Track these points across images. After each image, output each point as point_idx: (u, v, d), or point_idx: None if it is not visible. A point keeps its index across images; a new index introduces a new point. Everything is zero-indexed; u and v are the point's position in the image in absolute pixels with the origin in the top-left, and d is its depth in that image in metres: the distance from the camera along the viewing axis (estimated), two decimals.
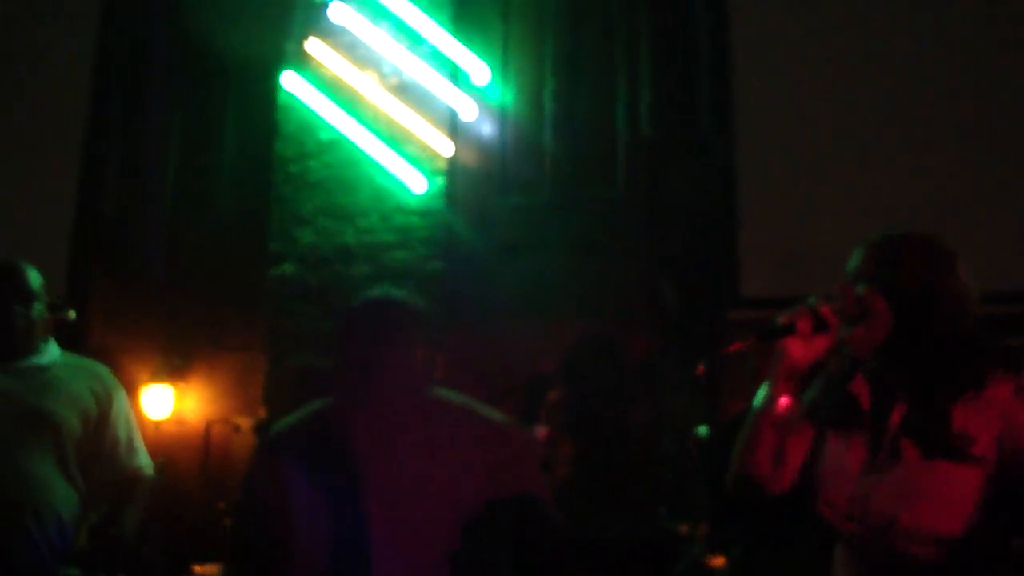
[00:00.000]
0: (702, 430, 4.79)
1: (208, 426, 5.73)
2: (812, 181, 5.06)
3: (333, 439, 2.00)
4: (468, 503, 1.92)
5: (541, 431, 3.94)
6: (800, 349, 1.84)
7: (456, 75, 5.65)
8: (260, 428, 5.08)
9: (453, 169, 5.54)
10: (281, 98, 5.73)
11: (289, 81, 5.67)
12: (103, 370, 3.10)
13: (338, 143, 5.60)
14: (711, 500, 3.92)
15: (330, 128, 5.61)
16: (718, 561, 3.65)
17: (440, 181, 5.45)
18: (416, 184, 5.43)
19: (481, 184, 5.65)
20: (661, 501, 4.89)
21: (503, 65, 5.75)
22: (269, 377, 5.48)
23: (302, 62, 5.70)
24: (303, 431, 2.08)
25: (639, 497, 4.58)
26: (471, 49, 5.62)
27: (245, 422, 5.43)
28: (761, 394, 1.92)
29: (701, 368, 3.40)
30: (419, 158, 5.48)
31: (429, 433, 1.97)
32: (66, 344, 3.11)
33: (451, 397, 2.09)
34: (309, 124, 5.66)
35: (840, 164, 5.04)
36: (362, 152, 5.52)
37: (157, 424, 5.68)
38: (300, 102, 5.66)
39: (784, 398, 1.88)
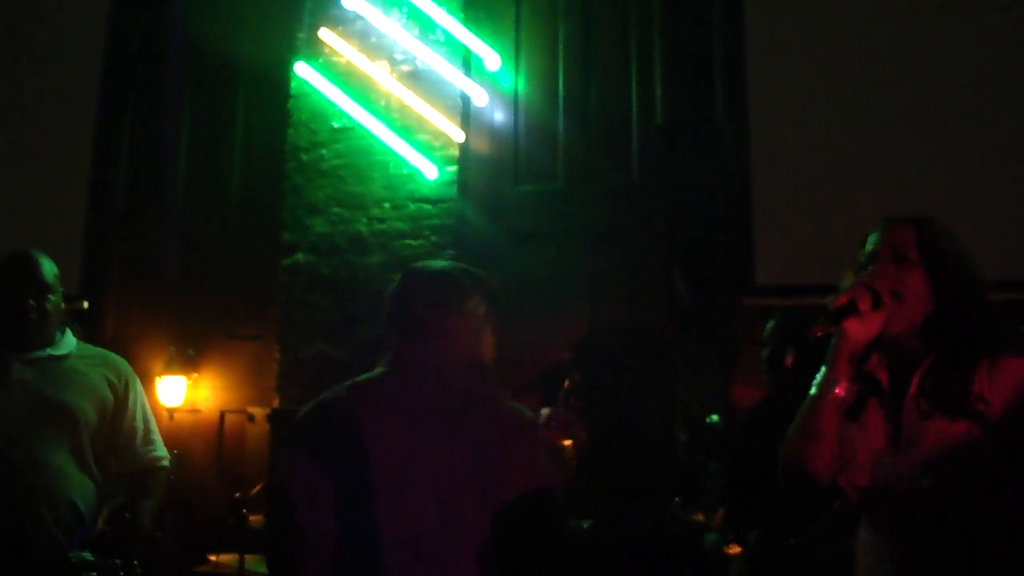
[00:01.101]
0: (714, 418, 4.79)
1: (222, 415, 5.74)
2: (826, 169, 5.02)
3: (353, 423, 1.97)
4: (488, 494, 1.88)
5: (544, 412, 3.90)
6: (858, 328, 1.82)
7: (468, 62, 5.63)
8: (274, 417, 5.09)
9: (465, 157, 5.53)
10: (293, 87, 5.72)
11: (301, 70, 5.65)
12: (119, 360, 3.11)
13: (350, 131, 5.58)
14: (727, 488, 3.90)
15: (342, 116, 5.59)
16: (734, 549, 3.63)
17: (452, 169, 5.44)
18: (429, 172, 5.41)
19: (494, 172, 5.63)
20: (676, 489, 4.89)
21: (515, 51, 5.72)
22: (282, 366, 5.48)
23: (314, 51, 5.69)
24: (319, 421, 2.06)
25: (653, 484, 4.57)
26: (482, 35, 5.59)
27: (259, 411, 5.43)
28: (820, 379, 1.88)
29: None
30: (431, 146, 5.46)
31: (449, 421, 1.93)
32: (81, 335, 3.12)
33: (475, 385, 2.04)
34: (321, 113, 5.65)
35: (855, 152, 5.00)
36: (374, 140, 5.51)
37: (171, 414, 5.69)
38: (312, 90, 5.64)
39: (845, 380, 1.85)
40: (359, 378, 2.08)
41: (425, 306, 2.07)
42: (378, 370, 2.07)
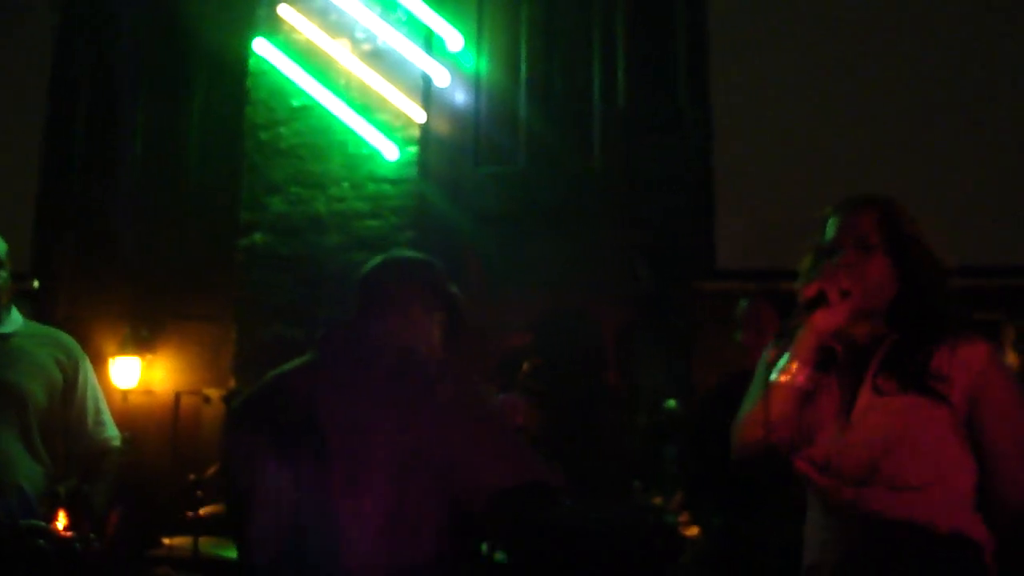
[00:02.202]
0: (671, 403, 4.80)
1: (177, 397, 5.67)
2: (787, 154, 5.05)
3: (297, 404, 1.95)
4: (443, 472, 1.86)
5: (503, 397, 3.91)
6: (826, 318, 1.83)
7: (430, 42, 5.57)
8: (231, 399, 5.04)
9: (426, 138, 5.48)
10: (252, 64, 5.63)
11: (260, 47, 5.56)
12: (69, 340, 3.05)
13: (310, 110, 5.51)
14: (685, 471, 3.93)
15: (302, 95, 5.52)
16: (692, 531, 3.66)
17: (413, 150, 5.39)
18: (389, 152, 5.36)
19: (455, 153, 5.60)
20: (634, 473, 4.91)
21: (477, 32, 5.68)
22: (239, 347, 5.42)
23: (273, 28, 5.60)
24: (267, 399, 2.03)
25: (611, 467, 4.59)
26: (445, 15, 5.53)
27: (215, 393, 5.37)
28: (782, 366, 1.88)
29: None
30: (392, 126, 5.40)
31: (405, 398, 1.91)
32: (28, 314, 3.05)
33: (430, 362, 2.02)
34: (280, 91, 5.57)
35: (815, 137, 5.04)
36: (334, 119, 5.44)
37: (125, 395, 5.62)
38: (271, 68, 5.56)
39: (808, 369, 1.86)
40: (307, 356, 2.06)
41: (392, 287, 2.08)
42: (321, 347, 2.05)
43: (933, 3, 5.08)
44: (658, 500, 4.34)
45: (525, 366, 3.85)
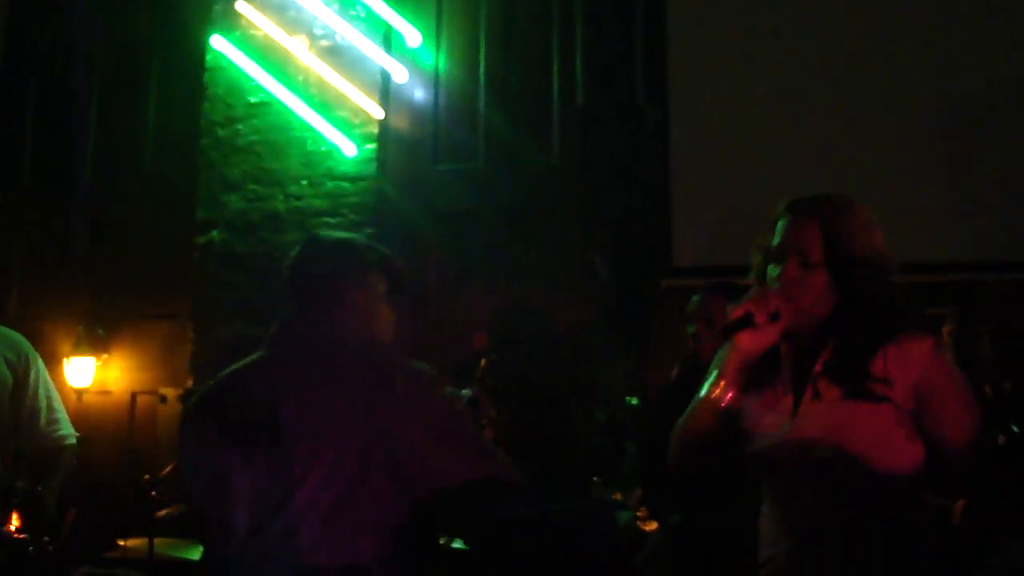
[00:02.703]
0: (633, 400, 4.83)
1: (133, 397, 5.60)
2: (744, 151, 5.09)
3: (253, 400, 1.93)
4: (399, 466, 1.86)
5: (465, 392, 3.90)
6: (752, 341, 1.83)
7: (388, 38, 5.55)
8: (187, 398, 4.99)
9: (385, 135, 5.46)
10: (209, 60, 5.59)
11: (217, 42, 5.51)
12: (19, 339, 3.01)
13: (267, 107, 5.48)
14: (644, 467, 3.95)
15: (259, 91, 5.48)
16: (650, 526, 3.68)
17: (372, 147, 5.37)
18: (347, 149, 5.34)
19: (413, 150, 5.58)
20: (594, 468, 4.93)
21: (436, 29, 5.66)
22: (196, 346, 5.39)
23: (230, 23, 5.55)
24: (220, 396, 2.01)
25: (570, 463, 4.60)
26: (403, 12, 5.52)
27: (171, 392, 5.30)
28: (708, 384, 1.89)
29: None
30: (350, 123, 5.38)
31: (346, 393, 1.89)
32: None
33: (380, 353, 2.01)
34: (238, 87, 5.53)
35: (772, 135, 5.08)
36: (292, 116, 5.41)
37: (79, 395, 5.53)
38: (229, 64, 5.52)
39: (731, 391, 1.86)
40: (257, 353, 2.04)
41: (322, 275, 2.03)
42: (271, 343, 2.03)
43: (890, 1, 5.14)
44: (618, 496, 4.37)
45: (482, 363, 3.85)
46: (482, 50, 5.63)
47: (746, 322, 1.82)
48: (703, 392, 1.90)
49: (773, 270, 1.90)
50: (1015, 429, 2.78)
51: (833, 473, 1.80)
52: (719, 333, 1.86)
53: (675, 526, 3.17)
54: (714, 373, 1.90)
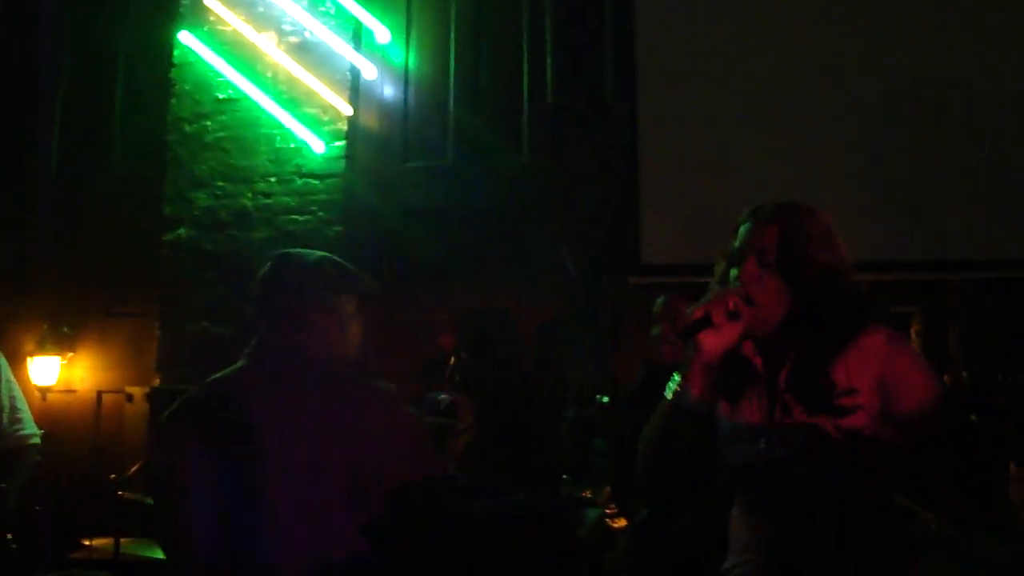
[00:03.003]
0: (604, 398, 4.84)
1: (99, 396, 5.55)
2: (712, 150, 5.12)
3: (231, 411, 1.96)
4: (366, 477, 1.92)
5: (443, 398, 3.92)
6: (714, 341, 1.84)
7: (358, 35, 5.53)
8: (154, 397, 4.95)
9: (354, 132, 5.44)
10: (176, 55, 5.54)
11: (185, 38, 5.47)
12: None
13: (236, 103, 5.44)
14: (613, 464, 3.95)
15: (228, 87, 5.44)
16: (620, 523, 3.69)
17: (341, 144, 5.35)
18: (316, 146, 5.31)
19: (383, 148, 5.57)
20: (564, 467, 4.94)
21: (406, 26, 5.65)
22: (163, 344, 5.34)
23: (198, 19, 5.51)
24: (202, 404, 2.04)
25: (541, 462, 4.60)
26: (373, 9, 5.50)
27: (138, 391, 5.27)
28: (673, 387, 1.90)
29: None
30: (319, 120, 5.36)
31: (315, 410, 1.95)
32: None
33: (346, 371, 2.07)
34: (206, 83, 5.49)
35: (739, 134, 5.11)
36: (261, 113, 5.38)
37: (44, 394, 5.47)
38: (197, 59, 5.47)
39: (696, 391, 1.87)
40: (234, 365, 2.08)
41: (290, 299, 2.07)
42: (242, 360, 2.07)
43: (853, 4, 5.18)
44: (587, 493, 4.38)
45: (451, 362, 3.85)
46: (452, 47, 5.63)
47: (705, 322, 1.83)
48: (668, 394, 1.91)
49: (734, 272, 1.91)
50: (973, 418, 2.82)
51: (807, 490, 1.81)
52: (679, 334, 1.86)
53: (642, 522, 3.18)
54: (676, 376, 1.91)
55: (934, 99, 5.06)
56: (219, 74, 5.44)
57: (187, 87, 5.52)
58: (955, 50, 5.05)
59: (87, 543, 4.00)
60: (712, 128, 5.14)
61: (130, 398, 5.28)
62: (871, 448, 1.79)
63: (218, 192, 5.41)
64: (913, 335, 3.65)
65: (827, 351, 1.82)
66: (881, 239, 4.66)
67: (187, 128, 5.50)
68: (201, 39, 5.45)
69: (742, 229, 1.94)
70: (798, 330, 1.86)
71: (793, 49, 5.16)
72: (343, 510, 1.92)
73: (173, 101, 5.54)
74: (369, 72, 5.47)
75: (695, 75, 5.24)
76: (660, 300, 3.39)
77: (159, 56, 5.65)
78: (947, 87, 5.04)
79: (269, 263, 2.12)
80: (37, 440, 3.06)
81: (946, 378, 3.46)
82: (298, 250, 2.20)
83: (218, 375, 2.08)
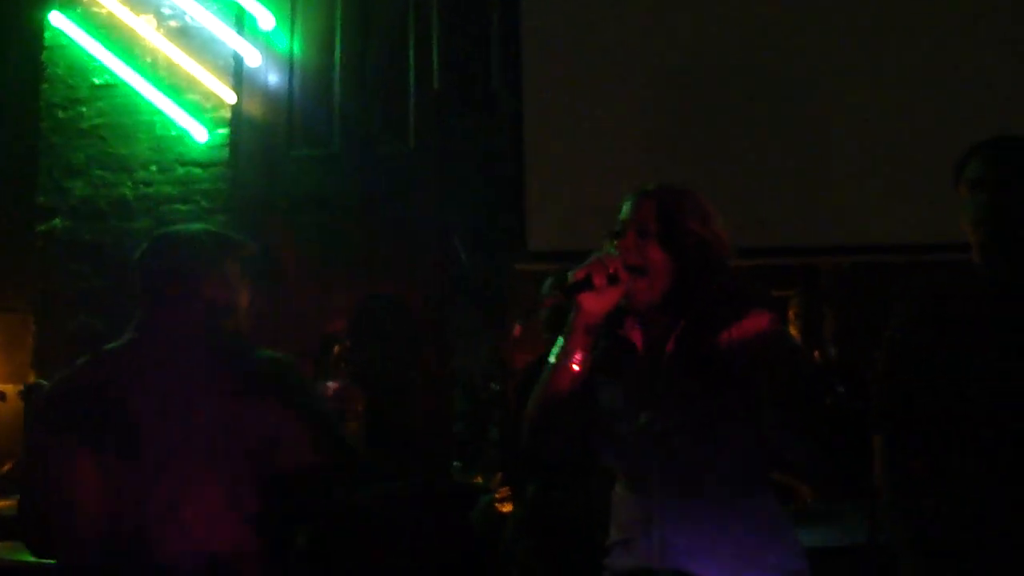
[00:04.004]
0: (496, 386, 4.88)
1: None
2: (597, 137, 5.19)
3: (105, 393, 1.90)
4: (252, 458, 1.87)
5: (332, 386, 3.91)
6: (594, 302, 1.89)
7: (241, 20, 5.42)
8: (28, 394, 4.78)
9: (238, 120, 5.33)
10: (48, 38, 5.34)
11: (56, 19, 5.27)
12: None
13: (113, 89, 5.28)
14: (504, 443, 4.00)
15: (104, 72, 5.27)
16: (508, 507, 3.73)
17: (224, 132, 5.24)
18: (198, 134, 5.19)
19: (267, 136, 5.48)
20: (454, 453, 4.97)
21: (291, 12, 5.57)
22: (39, 340, 5.18)
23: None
24: (74, 391, 1.97)
25: (430, 449, 4.62)
26: None
27: (11, 388, 5.08)
28: (557, 350, 1.94)
29: (518, 330, 3.46)
30: (201, 107, 5.24)
31: (199, 385, 1.90)
32: None
33: (239, 341, 2.02)
34: (80, 67, 5.30)
35: (625, 121, 5.21)
36: (140, 99, 5.23)
37: None
38: (70, 42, 5.28)
39: (579, 352, 1.92)
40: (108, 346, 2.01)
41: (173, 270, 2.02)
42: (127, 336, 2.01)
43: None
44: (479, 479, 4.42)
45: (336, 349, 3.84)
46: (338, 34, 5.57)
47: (587, 284, 1.88)
48: (552, 356, 1.95)
49: (598, 251, 1.97)
50: (840, 390, 2.96)
51: (686, 462, 1.87)
52: (562, 293, 1.91)
53: (531, 498, 3.23)
54: (560, 338, 1.95)
55: (806, 85, 5.23)
56: (94, 59, 5.26)
57: (60, 71, 5.33)
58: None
59: None
60: (598, 114, 5.22)
61: (3, 396, 5.08)
62: (751, 422, 1.86)
63: (96, 181, 5.25)
64: (792, 317, 3.80)
65: (712, 324, 1.89)
66: (761, 226, 4.81)
67: (61, 115, 5.31)
68: (74, 21, 5.26)
69: (624, 206, 2.00)
70: (682, 303, 1.92)
71: (680, 37, 5.28)
72: (234, 496, 1.87)
73: (45, 86, 5.34)
74: (253, 59, 5.37)
75: (580, 63, 5.31)
76: (547, 282, 3.44)
77: (30, 37, 5.43)
78: (836, 76, 5.19)
79: (146, 243, 2.08)
80: None
81: (816, 354, 3.62)
82: (175, 227, 2.17)
83: (90, 357, 2.00)
